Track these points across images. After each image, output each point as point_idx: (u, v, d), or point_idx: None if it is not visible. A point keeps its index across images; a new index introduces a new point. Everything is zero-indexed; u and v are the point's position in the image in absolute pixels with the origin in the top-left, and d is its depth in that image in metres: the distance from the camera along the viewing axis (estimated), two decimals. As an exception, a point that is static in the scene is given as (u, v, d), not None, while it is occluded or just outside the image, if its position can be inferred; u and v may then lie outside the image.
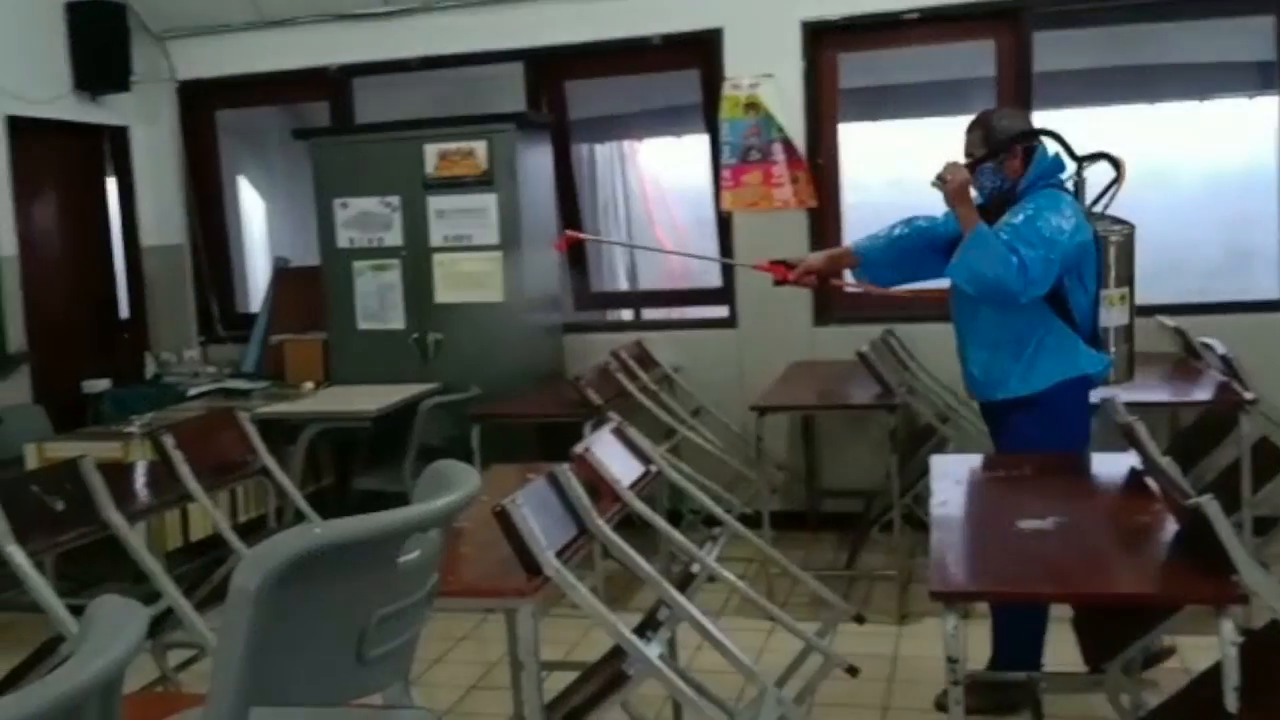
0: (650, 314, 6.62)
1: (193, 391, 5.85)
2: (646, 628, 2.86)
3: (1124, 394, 3.33)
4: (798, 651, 3.55)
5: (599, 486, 3.04)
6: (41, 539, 3.09)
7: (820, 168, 5.66)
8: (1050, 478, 3.18)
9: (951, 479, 3.09)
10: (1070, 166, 3.60)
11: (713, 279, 6.26)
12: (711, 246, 6.04)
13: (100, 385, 6.07)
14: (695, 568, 3.33)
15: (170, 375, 6.31)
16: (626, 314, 6.82)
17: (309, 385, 5.79)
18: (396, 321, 5.78)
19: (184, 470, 3.60)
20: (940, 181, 3.52)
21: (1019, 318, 3.52)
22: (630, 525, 3.15)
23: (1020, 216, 3.45)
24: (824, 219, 5.72)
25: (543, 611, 2.65)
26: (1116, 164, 3.57)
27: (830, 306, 5.74)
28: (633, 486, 3.21)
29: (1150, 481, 2.85)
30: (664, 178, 7.85)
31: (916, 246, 3.80)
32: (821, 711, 3.64)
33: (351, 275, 5.82)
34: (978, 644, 2.30)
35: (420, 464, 5.21)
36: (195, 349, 6.59)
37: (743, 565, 4.75)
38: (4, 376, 5.56)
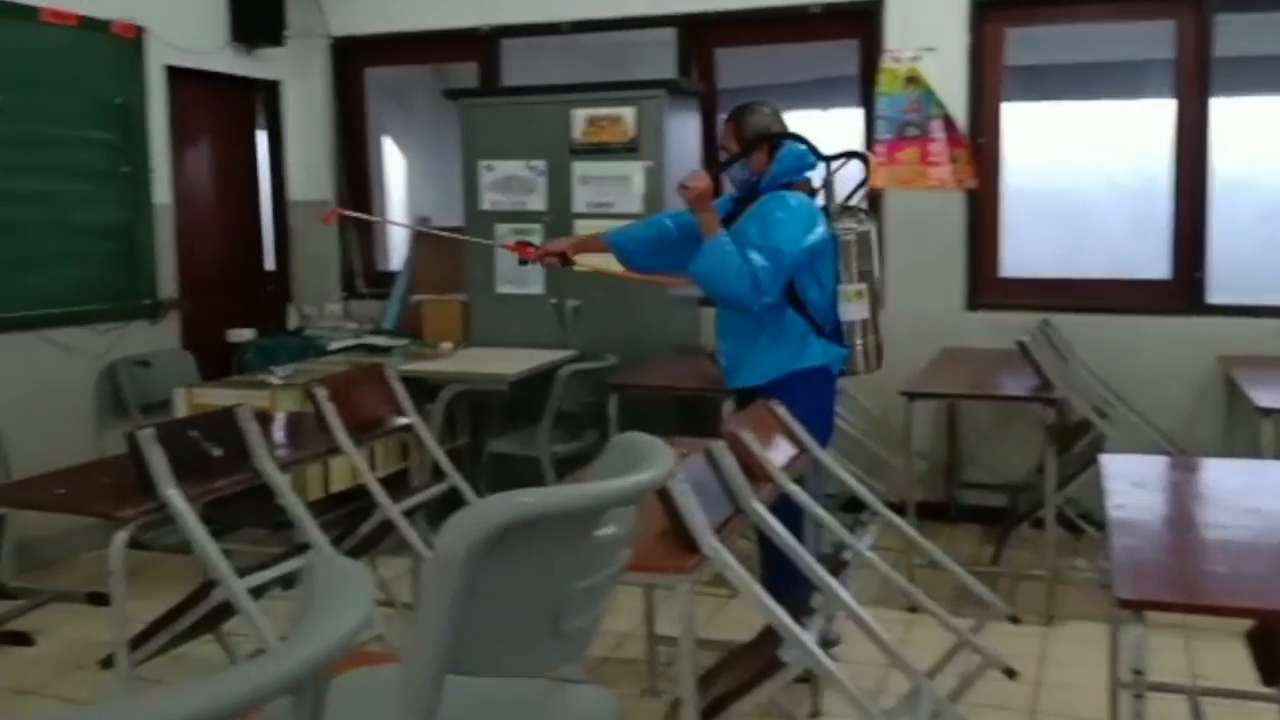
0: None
1: (333, 346, 5.91)
2: (799, 614, 2.78)
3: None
4: (940, 647, 3.44)
5: (750, 466, 2.96)
6: (197, 484, 3.13)
7: (981, 148, 5.45)
8: (1234, 483, 3.01)
9: (1127, 480, 2.93)
10: (820, 164, 3.76)
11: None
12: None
13: (245, 335, 6.18)
14: (847, 554, 3.24)
15: (312, 329, 6.39)
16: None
17: (448, 345, 5.80)
18: (536, 286, 5.75)
19: (335, 423, 3.62)
20: (683, 189, 3.70)
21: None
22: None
23: (755, 225, 3.64)
24: (983, 200, 5.48)
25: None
26: (865, 160, 3.86)
27: (982, 292, 5.54)
28: (783, 468, 3.13)
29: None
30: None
31: (688, 237, 3.83)
32: (966, 711, 3.50)
33: (493, 238, 5.81)
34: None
35: (556, 431, 5.20)
36: (337, 304, 6.66)
37: (878, 554, 4.62)
38: (155, 321, 5.68)
